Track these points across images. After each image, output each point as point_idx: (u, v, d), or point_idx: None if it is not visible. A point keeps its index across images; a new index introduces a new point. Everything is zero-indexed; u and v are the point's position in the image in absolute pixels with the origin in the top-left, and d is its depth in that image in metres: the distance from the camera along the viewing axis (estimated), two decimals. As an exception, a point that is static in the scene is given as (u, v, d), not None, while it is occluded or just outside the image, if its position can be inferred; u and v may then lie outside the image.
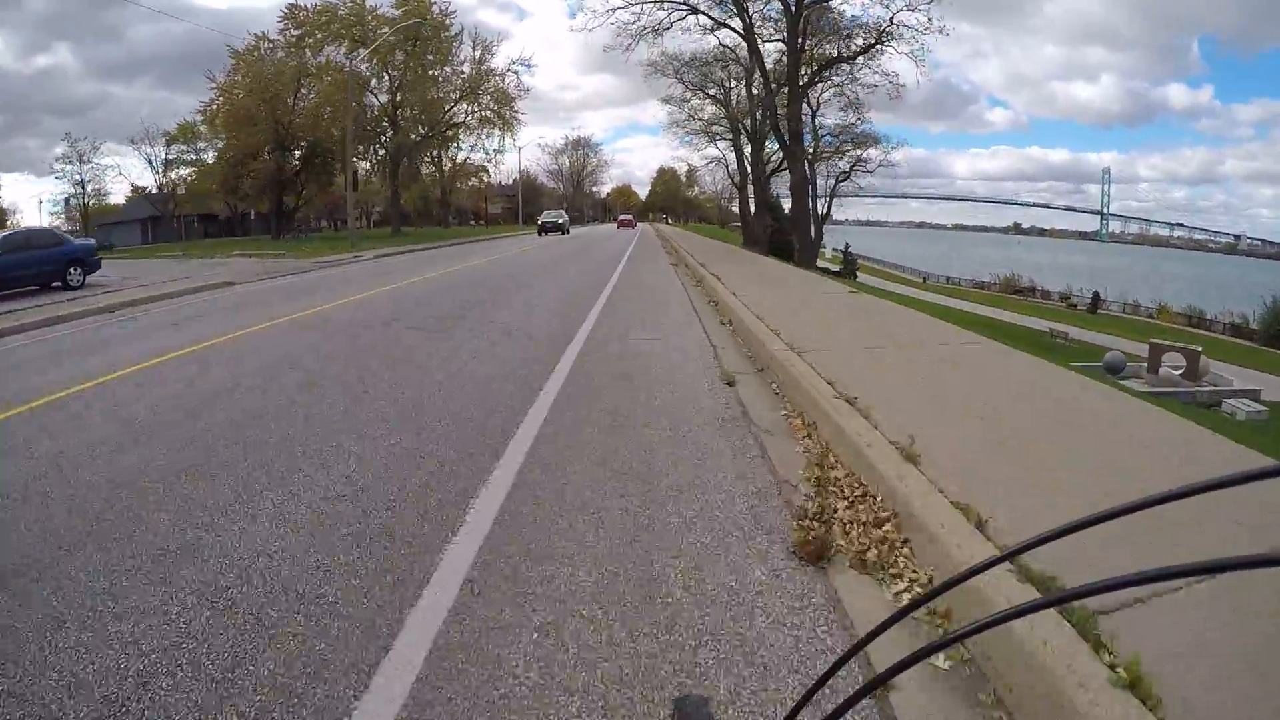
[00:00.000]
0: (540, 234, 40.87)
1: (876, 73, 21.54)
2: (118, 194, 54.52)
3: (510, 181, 73.13)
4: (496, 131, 42.32)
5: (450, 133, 41.90)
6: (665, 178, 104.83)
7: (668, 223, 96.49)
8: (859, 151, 30.92)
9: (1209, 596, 1.99)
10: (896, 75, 21.72)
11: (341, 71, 37.56)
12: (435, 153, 44.87)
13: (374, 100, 39.36)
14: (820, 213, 38.79)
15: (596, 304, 9.59)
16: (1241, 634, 1.85)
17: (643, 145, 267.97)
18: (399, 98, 38.56)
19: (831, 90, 24.67)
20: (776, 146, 34.05)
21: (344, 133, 38.82)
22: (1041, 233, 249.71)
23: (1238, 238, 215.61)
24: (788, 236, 45.46)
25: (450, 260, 19.45)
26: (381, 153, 41.21)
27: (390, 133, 39.50)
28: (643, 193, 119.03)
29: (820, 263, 48.11)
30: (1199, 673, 1.71)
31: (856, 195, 35.91)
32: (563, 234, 41.40)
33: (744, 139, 36.62)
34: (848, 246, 58.32)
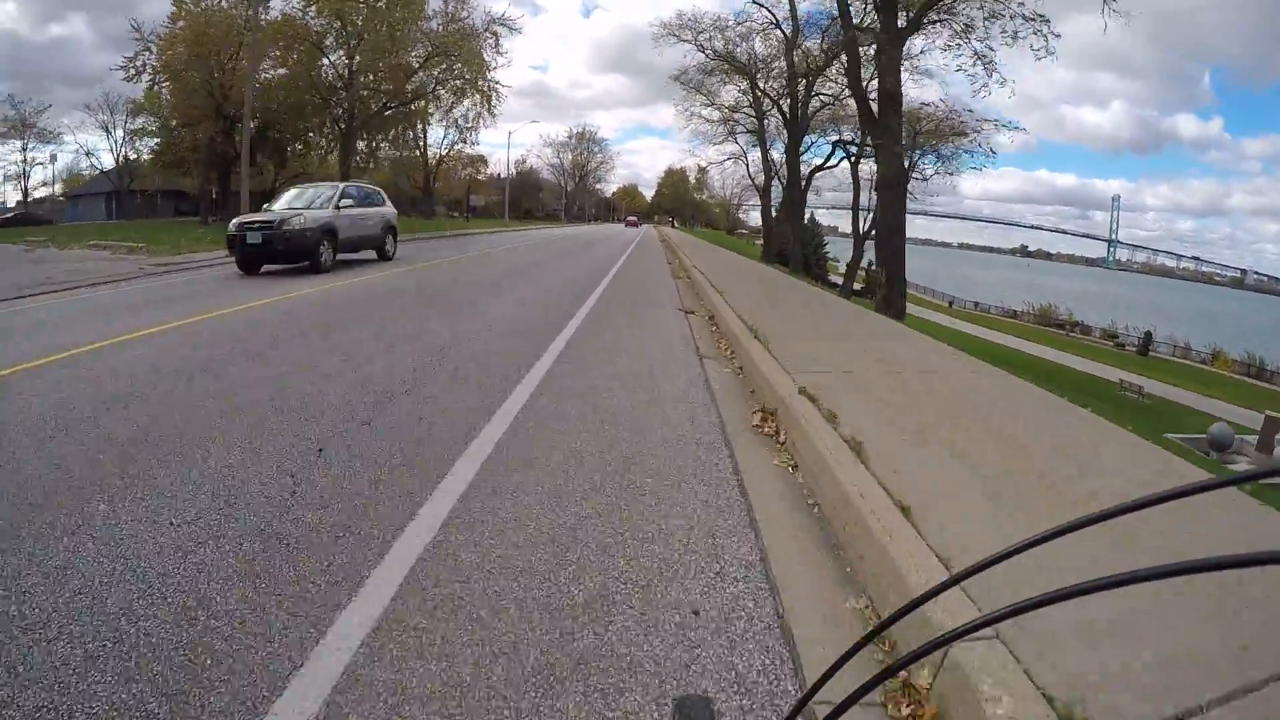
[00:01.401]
0: (230, 248, 12.42)
1: (1019, 15, 13.98)
2: (109, 164, 48.51)
3: (505, 175, 66.97)
4: (467, 104, 35.12)
5: (416, 105, 34.87)
6: (673, 179, 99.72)
7: (674, 225, 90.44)
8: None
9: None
10: (1046, 20, 14.19)
11: (294, 25, 31.18)
12: (401, 130, 37.91)
13: (326, 61, 32.68)
14: (862, 228, 32.43)
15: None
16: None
17: (651, 148, 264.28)
18: (357, 59, 31.99)
19: (942, 43, 16.15)
20: (814, 139, 27.61)
21: (297, 102, 32.67)
22: (1048, 256, 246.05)
23: (1244, 272, 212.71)
24: (801, 250, 38.96)
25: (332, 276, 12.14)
26: (341, 127, 34.54)
27: (344, 100, 32.87)
28: (649, 194, 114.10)
29: (833, 277, 41.42)
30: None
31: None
32: (317, 263, 12.39)
33: (775, 128, 30.12)
34: (870, 265, 52.19)
